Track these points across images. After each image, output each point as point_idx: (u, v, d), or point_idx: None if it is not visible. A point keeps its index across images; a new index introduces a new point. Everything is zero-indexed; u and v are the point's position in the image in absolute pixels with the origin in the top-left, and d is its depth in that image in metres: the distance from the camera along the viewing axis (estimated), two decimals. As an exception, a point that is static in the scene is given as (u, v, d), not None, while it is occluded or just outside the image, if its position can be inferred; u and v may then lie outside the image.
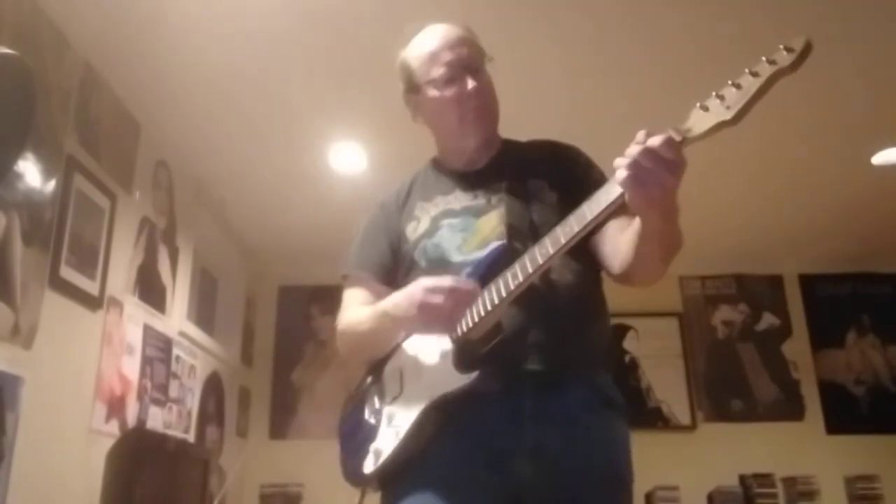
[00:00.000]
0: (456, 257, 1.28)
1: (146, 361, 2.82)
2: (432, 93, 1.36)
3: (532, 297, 1.16)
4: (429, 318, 1.16)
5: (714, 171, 3.36)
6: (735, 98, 0.92)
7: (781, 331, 4.54)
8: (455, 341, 1.17)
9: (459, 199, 1.35)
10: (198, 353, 3.45)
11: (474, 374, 1.13)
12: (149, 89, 2.68)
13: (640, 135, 0.98)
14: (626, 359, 4.48)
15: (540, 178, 1.33)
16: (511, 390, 1.16)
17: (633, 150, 0.96)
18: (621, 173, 0.97)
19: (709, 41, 2.44)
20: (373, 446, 1.24)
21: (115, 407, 2.55)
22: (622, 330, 4.52)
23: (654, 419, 4.35)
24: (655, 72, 2.61)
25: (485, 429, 1.16)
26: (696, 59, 2.48)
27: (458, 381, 1.14)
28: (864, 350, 4.49)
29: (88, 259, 2.42)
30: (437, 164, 1.46)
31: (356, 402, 1.35)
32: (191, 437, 3.28)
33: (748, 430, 4.28)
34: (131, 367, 2.70)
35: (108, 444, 2.41)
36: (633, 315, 4.51)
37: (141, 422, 2.75)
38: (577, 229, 1.05)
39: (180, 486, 2.80)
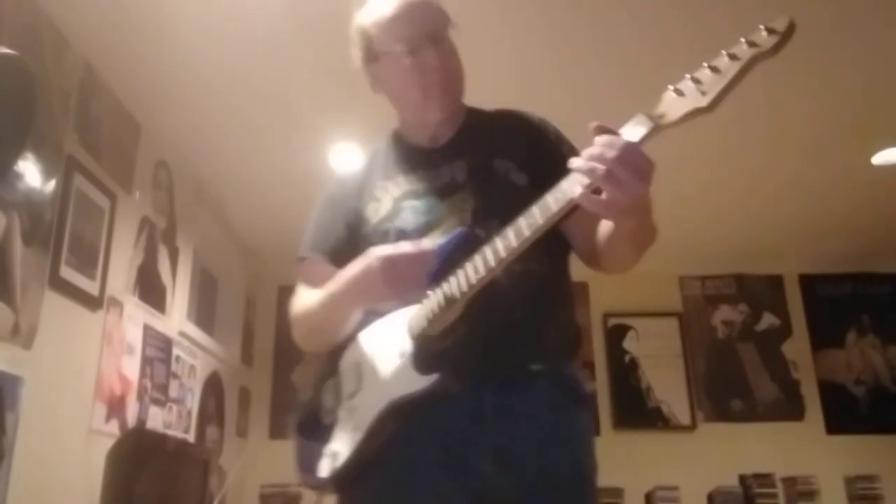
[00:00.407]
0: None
1: (146, 361, 2.82)
2: (393, 64, 1.26)
3: (495, 290, 1.08)
4: (397, 288, 1.09)
5: (714, 172, 3.36)
6: (712, 83, 0.87)
7: (781, 331, 4.54)
8: (414, 338, 1.12)
9: (422, 178, 1.27)
10: (198, 353, 3.45)
11: (434, 377, 1.07)
12: (149, 89, 2.68)
13: (603, 139, 0.92)
14: (626, 359, 4.48)
15: (507, 157, 1.25)
16: (473, 389, 1.10)
17: (593, 155, 0.91)
18: (581, 183, 0.92)
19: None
20: (329, 448, 1.18)
21: (115, 407, 2.55)
22: (622, 330, 4.53)
23: (654, 419, 4.35)
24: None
25: (446, 430, 1.12)
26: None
27: (418, 382, 1.08)
28: (864, 350, 4.49)
29: (88, 259, 2.42)
30: (399, 139, 1.37)
31: (312, 397, 1.29)
32: (191, 437, 3.29)
33: (748, 430, 4.28)
34: (131, 367, 2.70)
35: (108, 444, 2.41)
36: (633, 315, 4.52)
37: (141, 422, 2.75)
38: (540, 222, 0.99)
39: (180, 486, 2.80)
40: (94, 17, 2.27)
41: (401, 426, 1.11)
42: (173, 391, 3.10)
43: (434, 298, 1.09)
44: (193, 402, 3.37)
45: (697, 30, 2.39)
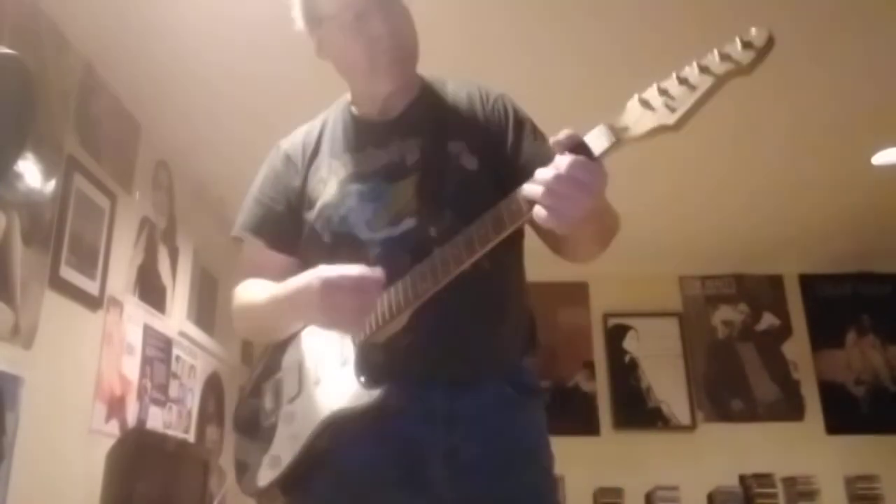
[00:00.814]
0: (364, 234, 1.12)
1: (146, 361, 2.82)
2: (337, 30, 1.17)
3: (443, 294, 1.02)
4: (333, 317, 1.02)
5: (714, 172, 3.36)
6: (681, 98, 0.81)
7: (781, 331, 4.54)
8: (357, 346, 1.06)
9: (371, 157, 1.18)
10: (198, 353, 3.45)
11: (377, 393, 1.01)
12: (149, 89, 2.68)
13: (556, 159, 0.88)
14: (626, 359, 4.48)
15: (460, 138, 1.16)
16: (422, 394, 1.05)
17: (538, 178, 0.89)
18: (538, 209, 0.89)
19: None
20: (269, 455, 1.11)
21: (115, 407, 2.55)
22: (622, 330, 4.53)
23: (654, 419, 4.35)
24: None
25: (397, 436, 1.06)
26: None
27: (361, 397, 1.02)
28: (864, 350, 4.49)
29: (88, 259, 2.41)
30: (349, 110, 1.28)
31: (252, 394, 1.22)
32: (191, 437, 3.28)
33: (748, 430, 4.28)
34: (131, 367, 2.70)
35: (108, 444, 2.41)
36: (633, 315, 4.52)
37: (141, 422, 2.75)
38: (492, 235, 0.96)
39: (180, 486, 2.79)
40: (94, 17, 2.27)
41: (345, 437, 1.05)
42: (173, 391, 3.09)
43: (379, 307, 1.03)
44: (193, 402, 3.36)
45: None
